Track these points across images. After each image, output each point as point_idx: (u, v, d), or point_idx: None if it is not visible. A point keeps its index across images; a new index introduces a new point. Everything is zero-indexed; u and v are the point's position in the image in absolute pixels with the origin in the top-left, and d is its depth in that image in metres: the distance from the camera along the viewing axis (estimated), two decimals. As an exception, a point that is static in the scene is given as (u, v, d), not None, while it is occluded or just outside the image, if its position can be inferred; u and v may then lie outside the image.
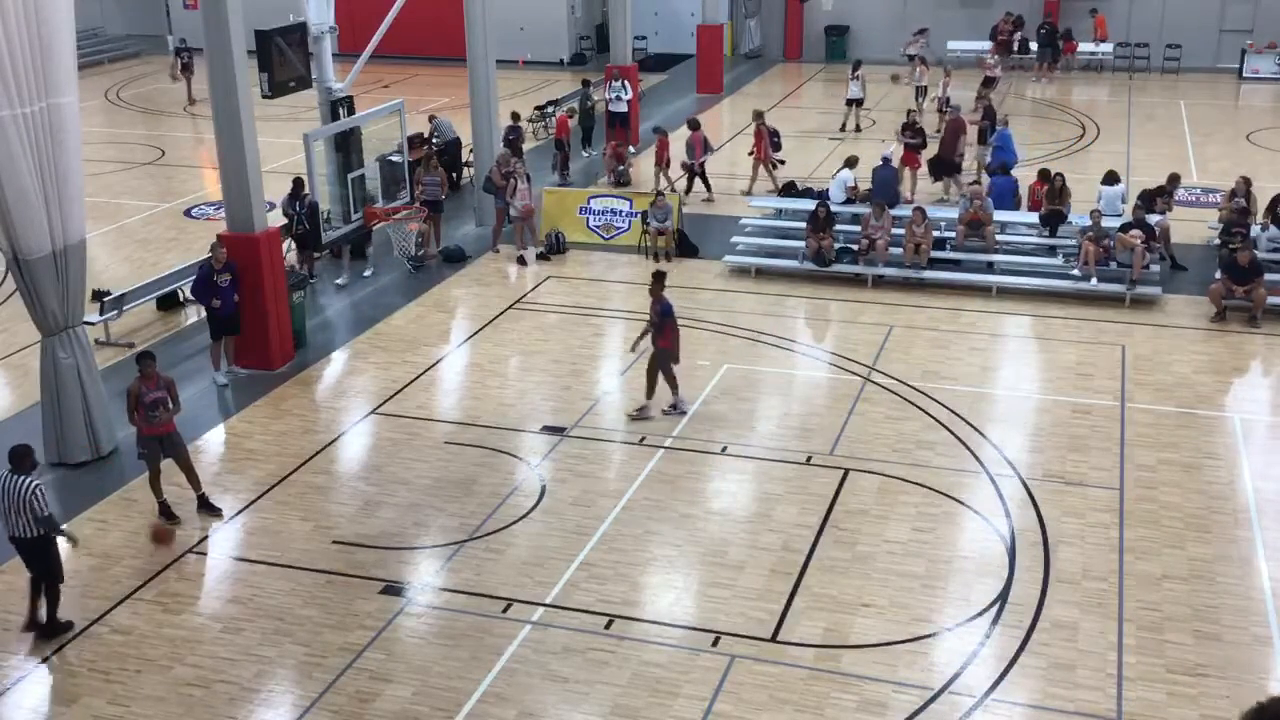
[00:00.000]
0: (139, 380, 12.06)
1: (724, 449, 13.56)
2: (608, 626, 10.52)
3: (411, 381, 15.62)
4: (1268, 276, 17.16)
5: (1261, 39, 34.74)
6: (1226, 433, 13.87)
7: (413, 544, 11.91)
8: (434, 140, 23.70)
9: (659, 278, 14.35)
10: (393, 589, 11.16)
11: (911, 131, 23.12)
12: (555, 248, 20.52)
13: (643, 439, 13.81)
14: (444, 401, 15.35)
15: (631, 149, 25.74)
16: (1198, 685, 9.62)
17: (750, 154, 23.98)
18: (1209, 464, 13.10)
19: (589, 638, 10.37)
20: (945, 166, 22.66)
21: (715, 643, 10.27)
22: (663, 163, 23.50)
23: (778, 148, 23.91)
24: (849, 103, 28.83)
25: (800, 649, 10.18)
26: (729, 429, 13.92)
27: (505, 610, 10.78)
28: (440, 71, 35.59)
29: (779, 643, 10.26)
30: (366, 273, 19.54)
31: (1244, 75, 34.52)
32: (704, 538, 11.92)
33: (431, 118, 24.93)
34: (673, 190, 22.68)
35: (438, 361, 16.35)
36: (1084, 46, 35.79)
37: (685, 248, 20.30)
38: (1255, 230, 18.63)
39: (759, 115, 23.91)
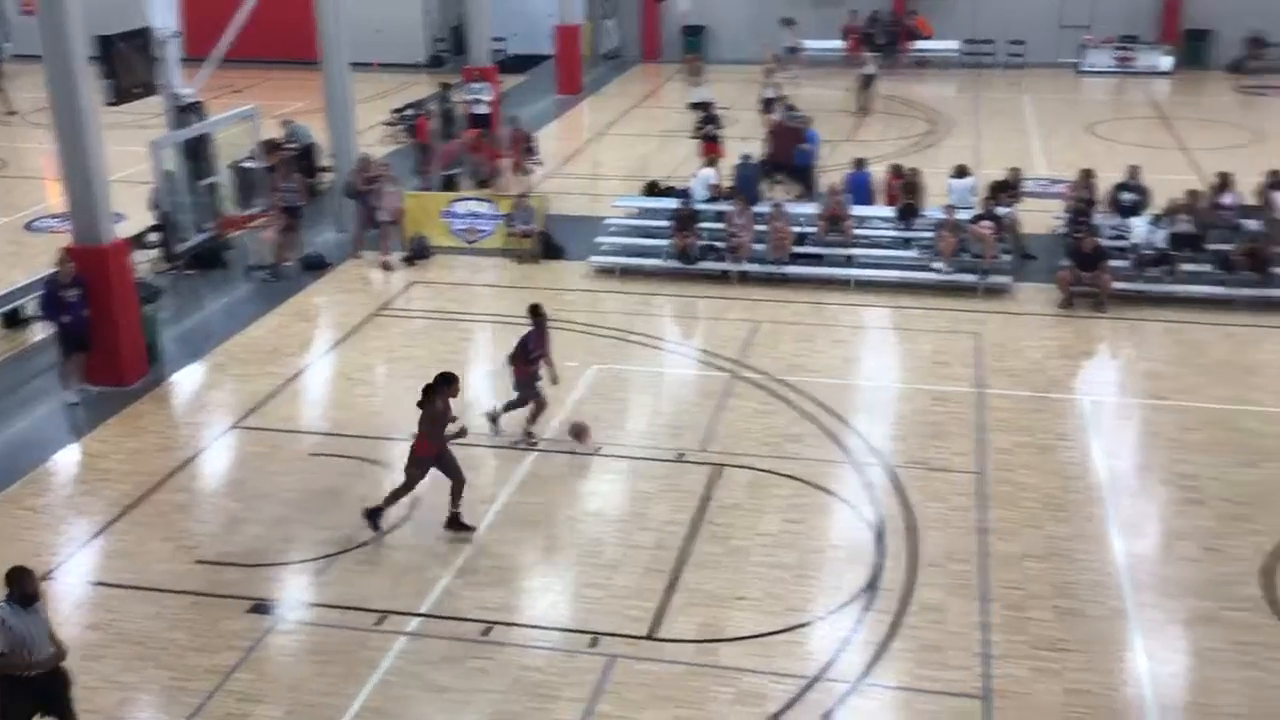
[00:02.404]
0: None
1: (597, 449, 13.56)
2: (486, 633, 10.42)
3: (274, 393, 15.24)
4: (1111, 263, 17.91)
5: (1099, 34, 36.26)
6: (1077, 414, 14.43)
7: (281, 560, 11.61)
8: (290, 145, 23.18)
9: (537, 311, 13.82)
10: (261, 607, 10.86)
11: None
12: (419, 253, 20.26)
13: (515, 443, 13.73)
14: (309, 412, 15.02)
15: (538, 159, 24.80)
16: (1061, 660, 9.97)
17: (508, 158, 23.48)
18: (1062, 445, 13.61)
19: (467, 646, 10.27)
20: (780, 168, 22.86)
21: (594, 643, 10.27)
22: (516, 161, 23.27)
23: (531, 153, 23.70)
24: (694, 105, 28.60)
25: (678, 645, 10.25)
26: (600, 429, 13.93)
27: (379, 623, 10.59)
28: (293, 75, 34.82)
29: (656, 640, 10.31)
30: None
31: (1083, 69, 35.98)
32: (579, 539, 11.91)
33: (285, 122, 24.36)
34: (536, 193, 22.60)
35: (301, 371, 15.99)
36: (920, 44, 36.79)
37: (550, 249, 20.25)
38: (1098, 219, 19.43)
39: (514, 120, 24.23)
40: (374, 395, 15.15)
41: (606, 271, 19.43)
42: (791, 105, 25.81)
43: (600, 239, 20.22)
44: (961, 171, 20.82)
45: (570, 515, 12.34)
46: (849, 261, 19.28)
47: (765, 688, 9.72)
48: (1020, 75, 35.70)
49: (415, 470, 11.84)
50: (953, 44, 37.09)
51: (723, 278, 19.01)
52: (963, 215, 19.20)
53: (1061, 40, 36.57)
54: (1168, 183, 20.93)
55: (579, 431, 13.69)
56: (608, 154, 27.67)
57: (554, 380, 13.82)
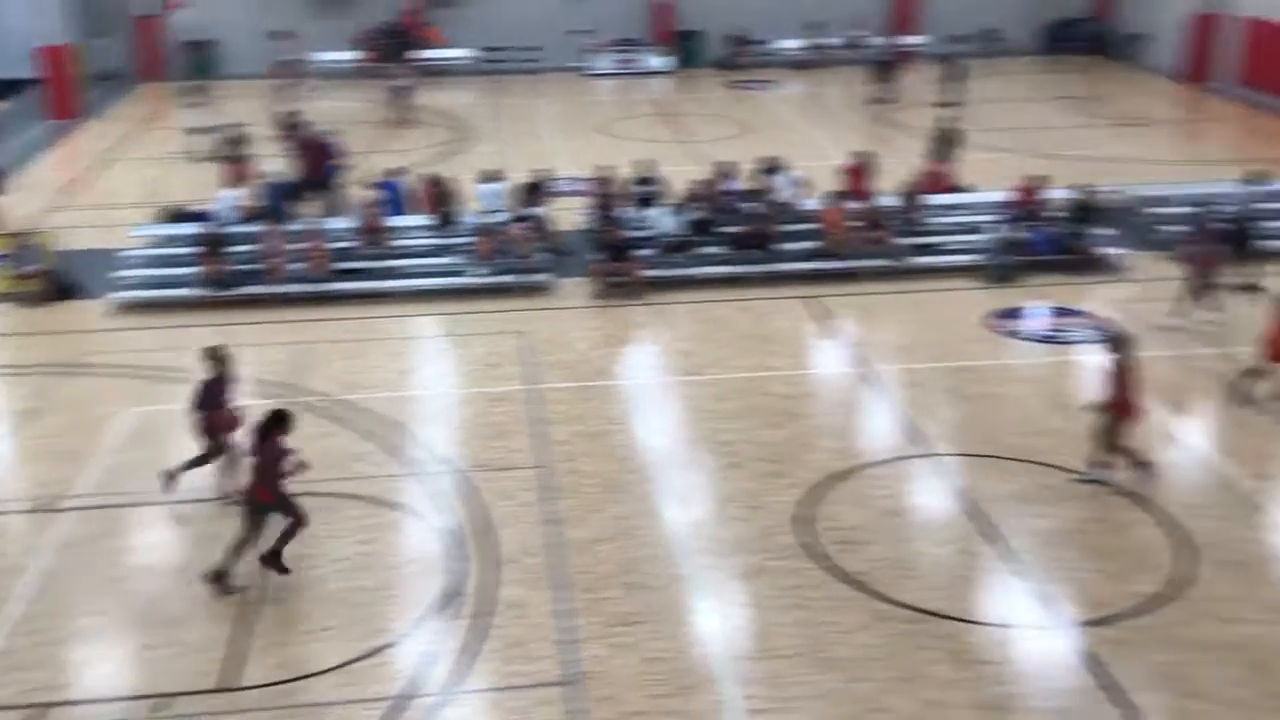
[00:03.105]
0: None
1: (143, 499, 12.61)
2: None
3: None
4: (637, 252, 19.05)
5: (601, 38, 38.35)
6: (624, 398, 15.25)
7: None
8: None
9: (217, 354, 12.50)
10: None
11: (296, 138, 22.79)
12: (-97, 306, 17.87)
13: (37, 506, 12.46)
14: None
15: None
16: (634, 633, 10.51)
17: None
18: (614, 429, 14.32)
19: (15, 738, 9.22)
20: (310, 184, 22.41)
21: (161, 708, 9.55)
22: None
23: None
24: (194, 130, 27.15)
25: (260, 691, 9.77)
26: (142, 477, 12.95)
27: (-97, 733, 9.28)
28: None
29: (235, 690, 9.77)
30: None
31: (591, 73, 37.93)
32: (134, 598, 11.03)
33: None
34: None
35: None
36: (434, 54, 37.18)
37: (62, 289, 18.53)
38: (626, 212, 20.58)
39: None
40: None
41: (132, 307, 18.09)
42: (303, 121, 25.14)
43: (120, 273, 18.78)
44: (490, 176, 21.31)
45: (120, 574, 11.40)
46: (392, 273, 19.19)
47: (357, 715, 9.49)
48: (535, 80, 37.04)
49: (258, 518, 10.93)
50: (468, 52, 37.84)
51: (262, 301, 18.29)
52: (497, 219, 19.67)
53: (570, 45, 38.32)
54: (678, 174, 22.55)
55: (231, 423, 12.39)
56: (117, 181, 25.75)
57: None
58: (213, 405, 12.32)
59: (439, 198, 20.64)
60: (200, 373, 12.61)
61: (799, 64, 38.44)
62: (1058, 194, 20.68)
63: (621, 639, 10.41)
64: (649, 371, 16.33)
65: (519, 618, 10.71)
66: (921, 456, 13.57)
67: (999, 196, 21.08)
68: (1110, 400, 12.43)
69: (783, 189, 21.10)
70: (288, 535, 11.15)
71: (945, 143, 24.14)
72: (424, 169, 22.83)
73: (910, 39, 38.21)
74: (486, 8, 38.06)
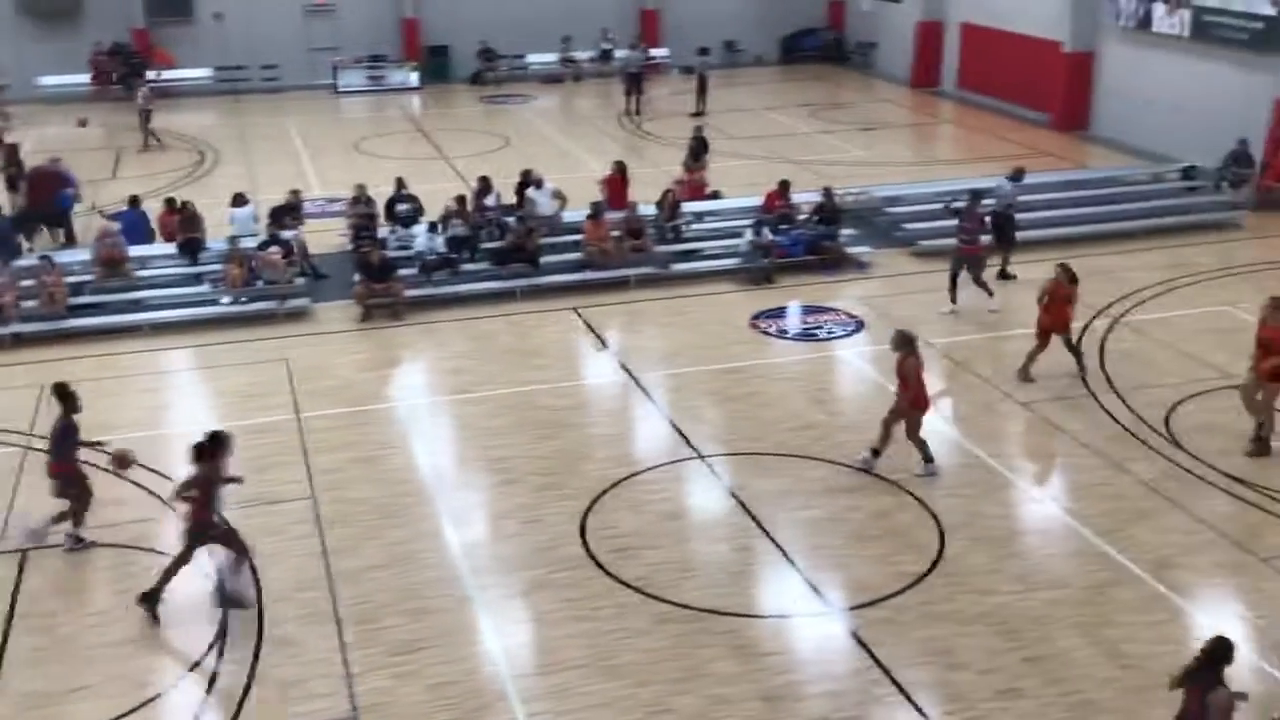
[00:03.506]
0: None
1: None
2: None
3: None
4: (400, 272, 18.74)
5: (348, 54, 37.56)
6: (395, 421, 14.96)
7: None
8: None
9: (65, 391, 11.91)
10: None
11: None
12: None
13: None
14: None
15: None
16: (418, 660, 10.31)
17: None
18: (386, 454, 14.02)
19: None
20: (41, 217, 21.11)
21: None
22: None
23: None
24: None
25: (13, 762, 9.09)
26: None
27: None
28: None
29: (-14, 764, 9.06)
30: None
31: (340, 90, 37.09)
32: None
33: None
34: None
35: None
36: (166, 74, 35.58)
37: None
38: (383, 231, 20.25)
39: None
40: None
41: None
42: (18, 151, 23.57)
43: None
44: (240, 199, 20.54)
45: None
46: (137, 306, 18.23)
47: (125, 778, 8.96)
48: (278, 99, 35.95)
49: (194, 542, 10.68)
50: (204, 72, 36.41)
51: (-8, 343, 17.05)
52: (249, 243, 18.97)
53: (314, 62, 37.37)
54: (436, 191, 22.34)
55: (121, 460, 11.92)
56: None
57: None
58: (70, 449, 11.81)
59: (183, 224, 19.74)
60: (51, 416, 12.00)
61: (551, 78, 38.71)
62: (805, 197, 21.55)
63: (405, 667, 10.20)
64: (418, 392, 16.08)
65: (294, 656, 10.34)
66: (692, 459, 13.86)
67: (751, 201, 21.82)
68: (901, 394, 13.09)
69: (542, 202, 21.20)
70: (237, 565, 10.96)
71: (697, 151, 24.79)
72: (166, 194, 21.79)
73: (656, 51, 39.10)
74: (220, 26, 36.67)
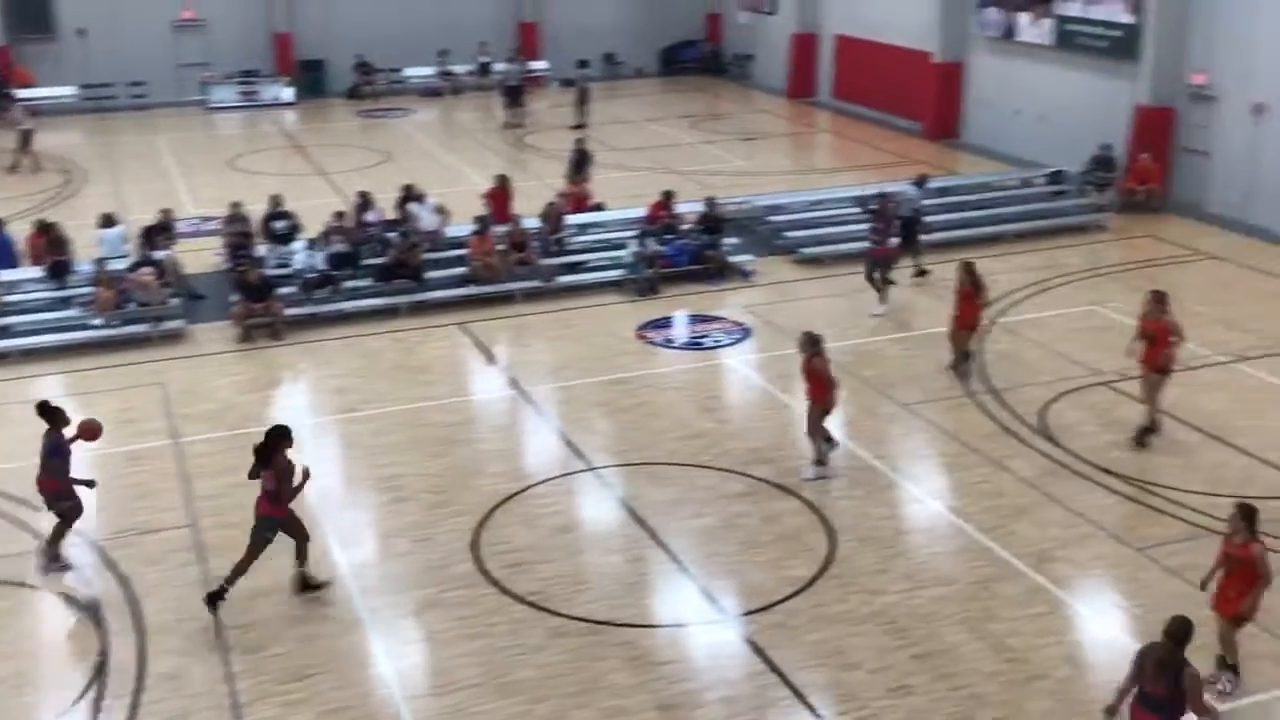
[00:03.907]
0: None
1: None
2: None
3: None
4: (279, 290, 18.35)
5: (219, 70, 36.73)
6: (278, 443, 14.60)
7: None
8: None
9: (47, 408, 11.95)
10: None
11: None
12: None
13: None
14: None
15: None
16: (309, 687, 10.08)
17: None
18: (269, 476, 13.68)
19: None
20: None
21: None
22: None
23: None
24: None
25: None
26: None
27: None
28: None
29: None
30: None
31: (212, 106, 36.24)
32: None
33: None
34: None
35: None
36: (26, 93, 34.21)
37: None
38: (263, 250, 19.82)
39: None
40: None
41: None
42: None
43: None
44: (109, 220, 19.93)
45: None
46: (5, 332, 17.53)
47: (0, 825, 8.57)
48: (147, 116, 34.97)
49: (268, 535, 11.02)
50: (68, 90, 35.26)
51: None
52: (119, 265, 18.40)
53: (184, 79, 36.46)
54: (316, 207, 21.96)
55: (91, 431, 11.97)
56: None
57: (90, 484, 11.97)
58: (61, 466, 11.71)
59: (50, 246, 19.06)
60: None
61: (429, 91, 38.38)
62: (689, 208, 21.72)
63: (295, 695, 9.96)
64: (302, 413, 15.74)
65: (178, 689, 10.02)
66: (584, 471, 13.83)
67: (635, 213, 21.91)
68: (810, 395, 13.42)
69: (424, 217, 20.99)
70: (302, 553, 11.29)
71: (579, 164, 24.82)
72: (32, 216, 21.02)
73: (536, 64, 39.07)
74: (84, 43, 35.55)
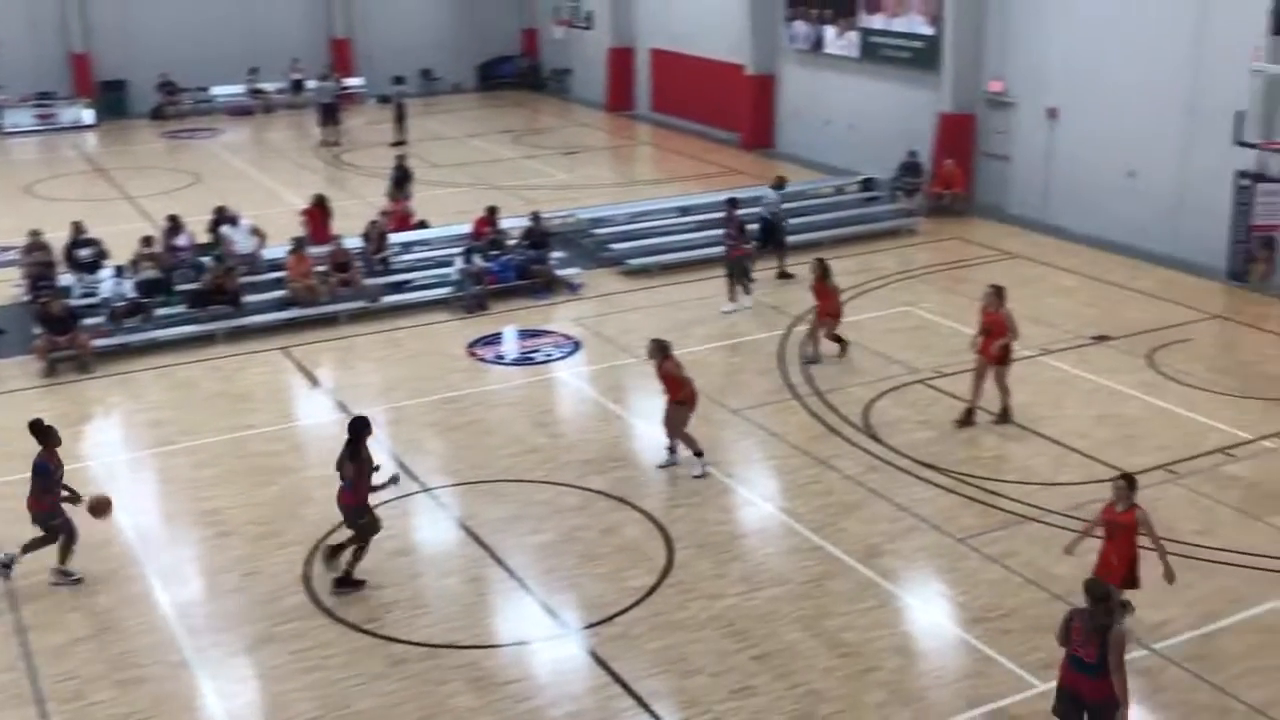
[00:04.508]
0: None
1: None
2: None
3: None
4: (86, 321, 17.53)
5: (13, 93, 34.91)
6: (90, 481, 13.88)
7: None
8: None
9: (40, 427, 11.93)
10: None
11: None
12: None
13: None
14: None
15: None
16: (136, 733, 9.65)
17: None
18: (82, 517, 12.99)
19: None
20: None
21: None
22: None
23: None
24: None
25: None
26: None
27: None
28: None
29: None
30: None
31: (6, 131, 34.40)
32: None
33: None
34: None
35: None
36: None
37: None
38: (66, 280, 18.91)
39: None
40: None
41: None
42: None
43: None
44: (-107, 253, 18.71)
45: None
46: None
47: None
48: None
49: (369, 518, 11.57)
50: None
51: None
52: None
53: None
54: (123, 233, 21.06)
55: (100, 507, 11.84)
56: None
57: (78, 500, 11.85)
58: (45, 485, 11.67)
59: None
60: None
61: (239, 110, 37.30)
62: (514, 223, 21.66)
63: (119, 744, 9.51)
64: (115, 448, 15.05)
65: (-7, 747, 9.46)
66: (418, 493, 13.62)
67: (460, 229, 21.73)
68: (671, 398, 13.72)
69: (238, 239, 20.36)
70: (359, 552, 11.55)
71: (400, 181, 24.48)
72: None
73: (351, 81, 38.40)
74: None
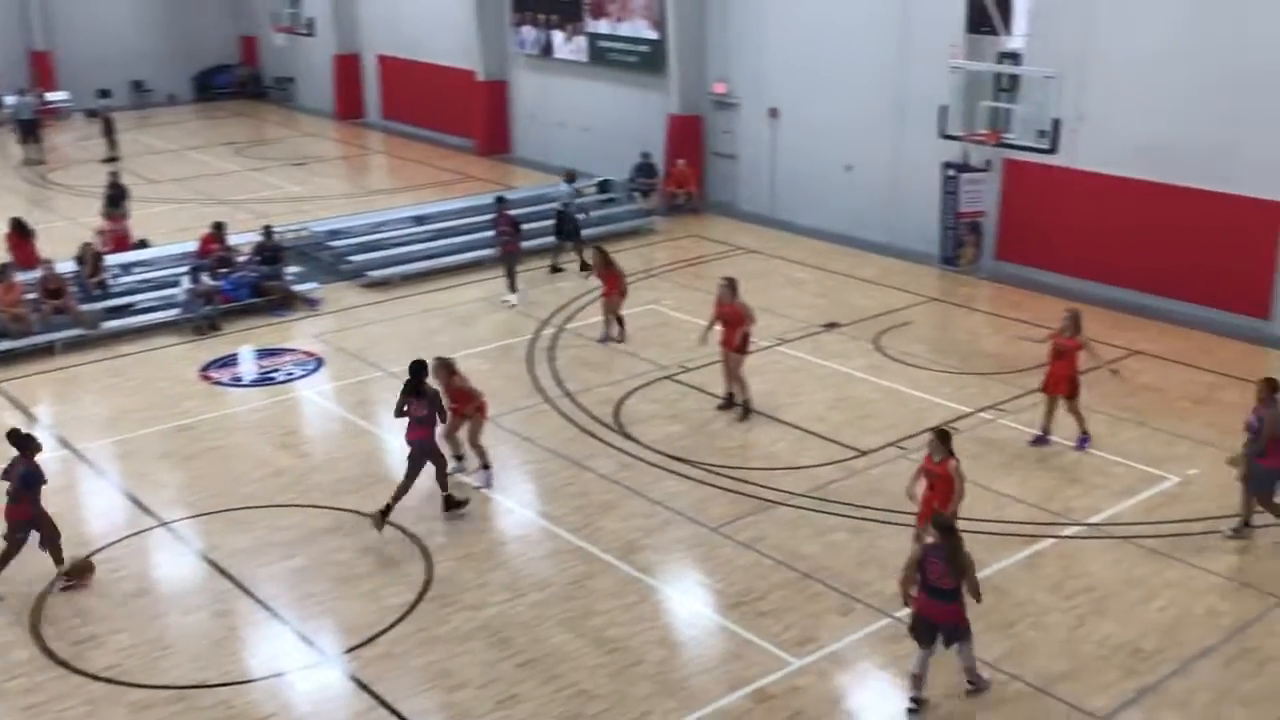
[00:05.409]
0: None
1: None
2: None
3: None
4: None
5: None
6: None
7: None
8: None
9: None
10: None
11: None
12: None
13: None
14: None
15: None
16: None
17: None
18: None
19: None
20: None
21: None
22: None
23: None
24: None
25: None
26: None
27: None
28: None
29: None
30: None
31: None
32: None
33: None
34: None
35: None
36: None
37: None
38: None
39: None
40: None
41: None
42: None
43: None
44: None
45: None
46: None
47: None
48: None
49: (425, 460, 12.69)
50: None
51: None
52: None
53: None
54: None
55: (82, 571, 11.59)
56: None
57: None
58: (28, 495, 11.51)
59: None
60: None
61: (-75, 129, 34.34)
62: (245, 238, 20.81)
63: None
64: None
65: None
66: (155, 528, 12.88)
67: (185, 248, 20.70)
68: (461, 412, 13.49)
69: (-65, 269, 18.71)
70: (443, 477, 12.91)
71: (115, 198, 23.09)
72: None
73: (53, 95, 35.97)
74: None
